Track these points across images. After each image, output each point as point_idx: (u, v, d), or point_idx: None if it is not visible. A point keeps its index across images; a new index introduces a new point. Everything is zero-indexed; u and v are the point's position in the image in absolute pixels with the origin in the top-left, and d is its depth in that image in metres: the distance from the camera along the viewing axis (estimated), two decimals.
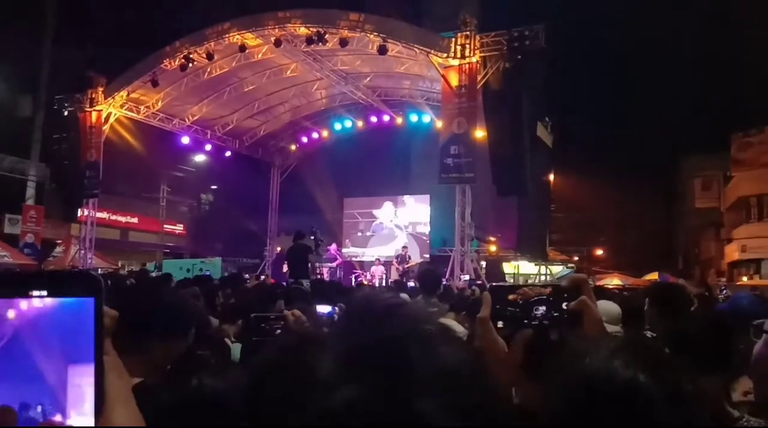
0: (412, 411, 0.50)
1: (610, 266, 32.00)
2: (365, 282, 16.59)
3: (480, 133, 14.33)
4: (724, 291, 14.91)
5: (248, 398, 0.57)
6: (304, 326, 1.98)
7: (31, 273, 0.56)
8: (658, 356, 0.94)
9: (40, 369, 0.53)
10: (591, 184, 32.60)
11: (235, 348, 3.59)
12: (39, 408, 0.52)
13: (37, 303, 0.54)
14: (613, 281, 22.78)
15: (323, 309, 3.61)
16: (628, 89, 37.90)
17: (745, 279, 25.71)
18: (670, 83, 37.64)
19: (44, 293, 0.55)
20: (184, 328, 2.16)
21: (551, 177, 19.40)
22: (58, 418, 0.53)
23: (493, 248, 22.33)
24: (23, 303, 0.54)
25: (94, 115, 18.39)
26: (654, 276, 22.66)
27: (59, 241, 22.37)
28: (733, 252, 28.25)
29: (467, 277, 13.72)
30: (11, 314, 0.54)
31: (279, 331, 2.07)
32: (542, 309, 1.21)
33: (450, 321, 4.46)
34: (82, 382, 0.54)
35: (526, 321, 1.21)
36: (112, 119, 18.60)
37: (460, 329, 3.91)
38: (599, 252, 37.68)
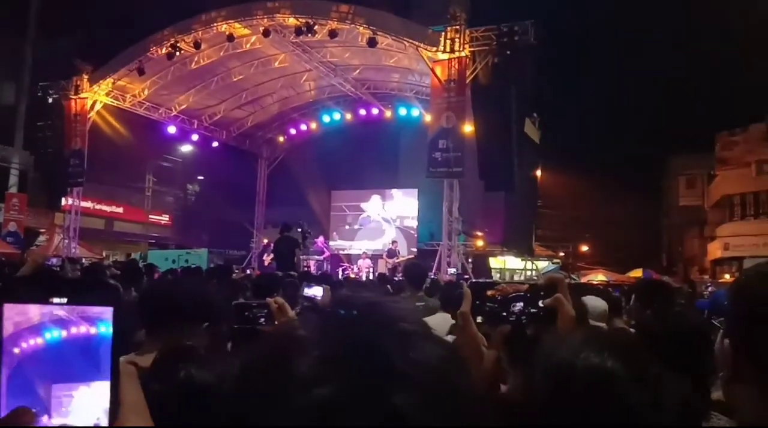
0: (392, 408, 0.50)
1: (595, 262, 32.25)
2: (352, 276, 16.61)
3: (469, 128, 14.35)
4: (710, 288, 15.11)
5: (230, 398, 0.57)
6: (288, 319, 1.97)
7: (52, 281, 0.57)
8: (628, 346, 0.96)
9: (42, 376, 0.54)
10: (578, 181, 32.81)
11: None
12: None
13: (56, 310, 0.55)
14: (598, 277, 22.98)
15: (314, 291, 3.57)
16: (616, 87, 38.19)
17: (727, 276, 26.03)
18: (656, 82, 37.96)
19: (64, 300, 0.56)
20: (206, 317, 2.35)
21: (538, 173, 19.48)
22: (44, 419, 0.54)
23: (480, 243, 22.41)
24: (43, 309, 0.55)
25: (79, 102, 18.16)
26: (638, 272, 22.92)
27: (42, 230, 22.14)
28: (716, 250, 28.61)
29: (453, 270, 13.78)
30: (30, 319, 0.54)
31: (263, 320, 2.05)
32: (519, 305, 1.24)
33: (445, 316, 4.46)
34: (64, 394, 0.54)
35: (504, 315, 1.23)
36: (97, 107, 18.38)
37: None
38: (585, 248, 37.99)
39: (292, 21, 15.17)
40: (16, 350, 0.51)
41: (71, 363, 0.52)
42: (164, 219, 32.25)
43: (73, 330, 0.53)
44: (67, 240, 18.86)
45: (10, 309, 0.53)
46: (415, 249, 20.95)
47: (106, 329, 0.54)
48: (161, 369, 1.61)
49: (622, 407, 0.84)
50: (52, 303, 0.55)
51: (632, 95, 38.34)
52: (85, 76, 18.10)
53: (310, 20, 14.81)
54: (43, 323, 0.52)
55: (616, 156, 36.67)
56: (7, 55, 24.30)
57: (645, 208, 39.00)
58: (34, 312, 0.53)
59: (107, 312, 0.56)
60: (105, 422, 0.53)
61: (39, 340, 0.52)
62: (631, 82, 38.37)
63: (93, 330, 0.53)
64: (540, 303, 1.23)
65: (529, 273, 21.25)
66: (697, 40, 31.07)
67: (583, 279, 21.10)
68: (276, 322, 1.99)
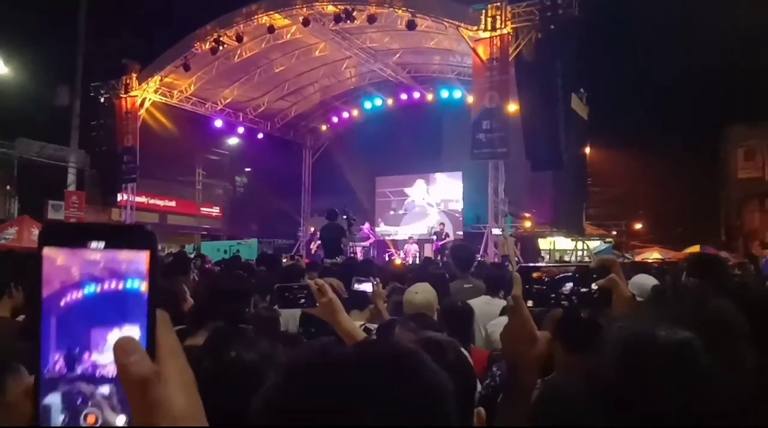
0: None
1: (650, 240, 31.33)
2: (398, 261, 16.64)
3: (513, 107, 14.06)
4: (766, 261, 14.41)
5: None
6: (328, 300, 2.06)
7: (89, 224, 0.60)
8: (710, 324, 0.91)
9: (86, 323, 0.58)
10: (628, 156, 31.79)
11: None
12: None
13: (94, 254, 0.58)
14: (653, 255, 22.33)
15: (363, 287, 3.53)
16: (667, 57, 36.61)
17: None
18: (710, 50, 36.20)
19: (101, 244, 0.58)
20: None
21: (587, 150, 18.98)
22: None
23: (528, 224, 22.07)
24: (82, 254, 0.58)
25: (129, 100, 18.74)
26: (695, 249, 22.07)
27: None
28: None
29: (499, 231, 13.66)
30: (70, 263, 0.58)
31: (303, 300, 2.13)
32: (569, 285, 1.19)
33: (496, 301, 4.45)
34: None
35: (553, 296, 1.19)
36: (146, 104, 18.92)
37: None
38: (638, 226, 36.85)
39: (330, 8, 15.17)
40: (62, 302, 0.58)
41: (105, 311, 0.58)
42: (215, 211, 33.00)
43: (106, 285, 0.58)
44: None
45: (53, 262, 0.57)
46: (461, 233, 20.79)
47: (131, 284, 0.58)
48: (211, 349, 1.70)
49: (702, 385, 0.80)
50: (89, 248, 0.57)
51: (684, 63, 36.61)
52: (134, 75, 18.63)
53: (348, 6, 14.78)
54: (83, 280, 0.58)
55: (668, 129, 35.30)
56: (60, 58, 25.20)
57: (701, 181, 37.48)
58: (75, 271, 0.57)
59: (135, 265, 0.58)
60: None
61: (79, 294, 0.58)
62: (683, 49, 36.65)
63: (121, 286, 0.58)
64: (593, 286, 1.19)
65: (580, 253, 20.80)
66: (754, 5, 29.43)
67: (638, 258, 20.54)
68: (317, 304, 2.07)
